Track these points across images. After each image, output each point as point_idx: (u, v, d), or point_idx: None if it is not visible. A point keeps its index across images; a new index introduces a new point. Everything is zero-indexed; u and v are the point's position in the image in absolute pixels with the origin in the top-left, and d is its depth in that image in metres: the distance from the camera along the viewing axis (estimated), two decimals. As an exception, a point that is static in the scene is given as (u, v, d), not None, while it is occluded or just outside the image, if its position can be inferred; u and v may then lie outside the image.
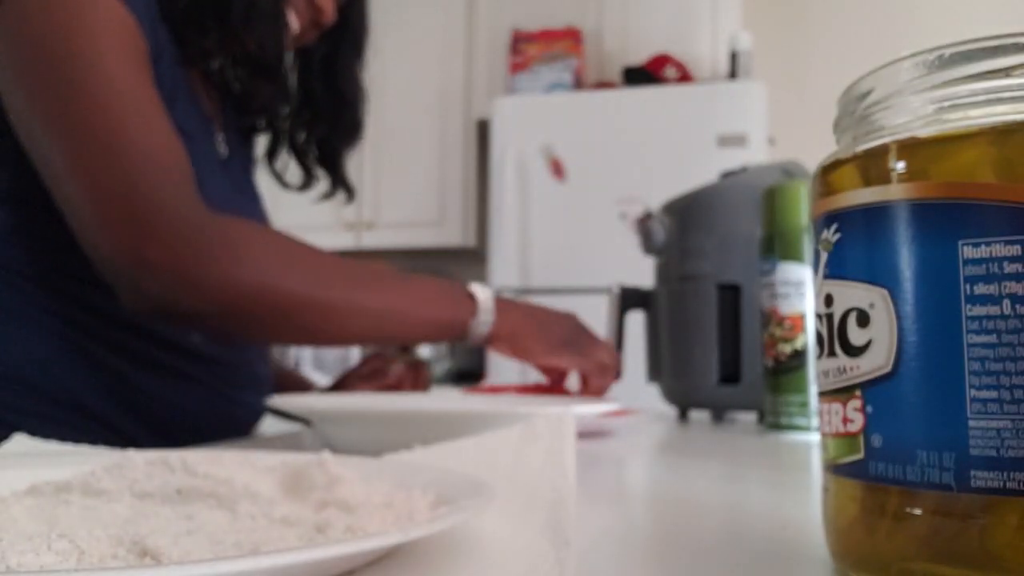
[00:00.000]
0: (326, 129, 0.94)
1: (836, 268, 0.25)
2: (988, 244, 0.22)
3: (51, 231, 0.71)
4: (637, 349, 1.03)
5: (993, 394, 0.22)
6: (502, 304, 0.79)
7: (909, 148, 0.23)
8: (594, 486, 0.46)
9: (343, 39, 0.92)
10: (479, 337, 0.78)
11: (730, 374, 0.89)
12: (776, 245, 0.74)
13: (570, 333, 0.84)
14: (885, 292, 0.24)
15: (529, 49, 2.71)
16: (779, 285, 0.73)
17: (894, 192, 0.23)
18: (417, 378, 0.95)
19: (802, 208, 0.74)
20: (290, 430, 0.84)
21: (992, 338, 0.22)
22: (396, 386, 0.93)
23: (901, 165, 0.23)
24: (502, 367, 2.41)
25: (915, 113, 0.24)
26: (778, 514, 0.38)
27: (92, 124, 0.63)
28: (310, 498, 0.29)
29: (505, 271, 2.42)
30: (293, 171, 0.97)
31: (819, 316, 0.26)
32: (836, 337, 0.25)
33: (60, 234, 0.70)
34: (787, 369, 0.73)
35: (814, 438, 0.70)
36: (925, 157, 0.23)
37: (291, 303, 0.67)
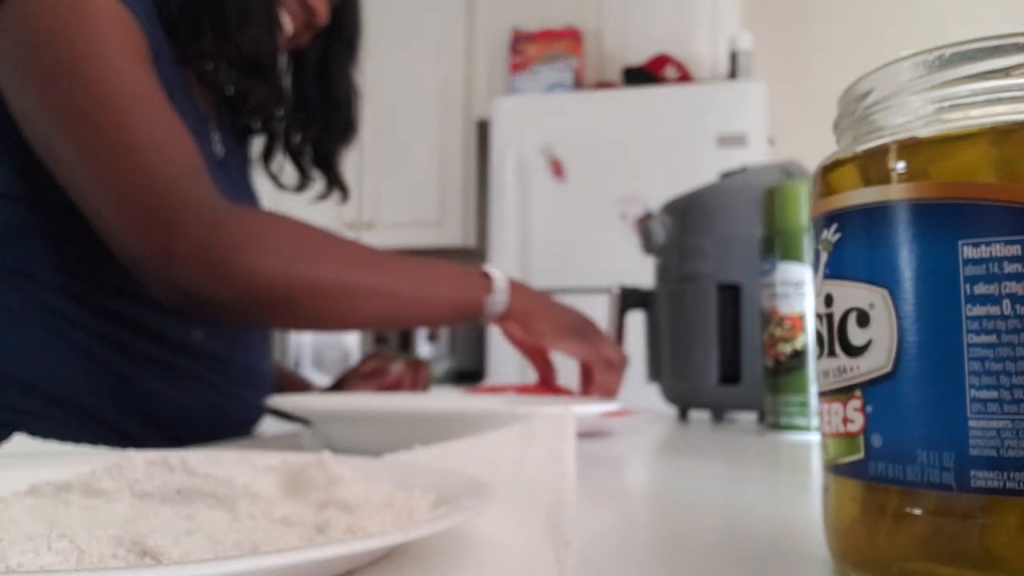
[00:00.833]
0: (320, 130, 0.94)
1: (836, 268, 0.25)
2: (988, 244, 0.22)
3: (50, 230, 0.71)
4: (637, 349, 1.03)
5: (993, 394, 0.22)
6: (516, 285, 0.81)
7: (909, 148, 0.23)
8: (594, 486, 0.46)
9: (336, 40, 0.93)
10: (494, 316, 0.80)
11: (730, 374, 0.89)
12: (776, 245, 0.74)
13: (579, 323, 0.85)
14: (885, 292, 0.24)
15: (529, 49, 2.71)
16: (779, 285, 0.73)
17: (894, 192, 0.23)
18: (417, 378, 0.95)
19: (802, 208, 0.74)
20: (290, 430, 0.84)
21: (992, 338, 0.22)
22: (396, 386, 0.93)
23: (901, 165, 0.24)
24: (502, 367, 2.41)
25: (915, 113, 0.24)
26: (778, 514, 0.38)
27: (105, 124, 0.64)
28: (310, 498, 0.29)
29: (505, 271, 2.42)
30: (289, 172, 0.98)
31: (819, 316, 0.26)
32: (836, 337, 0.25)
33: (59, 232, 0.71)
34: (787, 369, 0.73)
35: (814, 438, 0.70)
36: (925, 157, 0.23)
37: (315, 289, 0.68)
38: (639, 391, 1.05)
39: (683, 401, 0.96)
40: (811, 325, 0.71)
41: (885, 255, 0.24)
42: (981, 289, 0.22)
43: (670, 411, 1.01)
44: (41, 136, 0.67)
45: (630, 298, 1.03)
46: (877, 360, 0.24)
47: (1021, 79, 0.22)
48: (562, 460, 0.36)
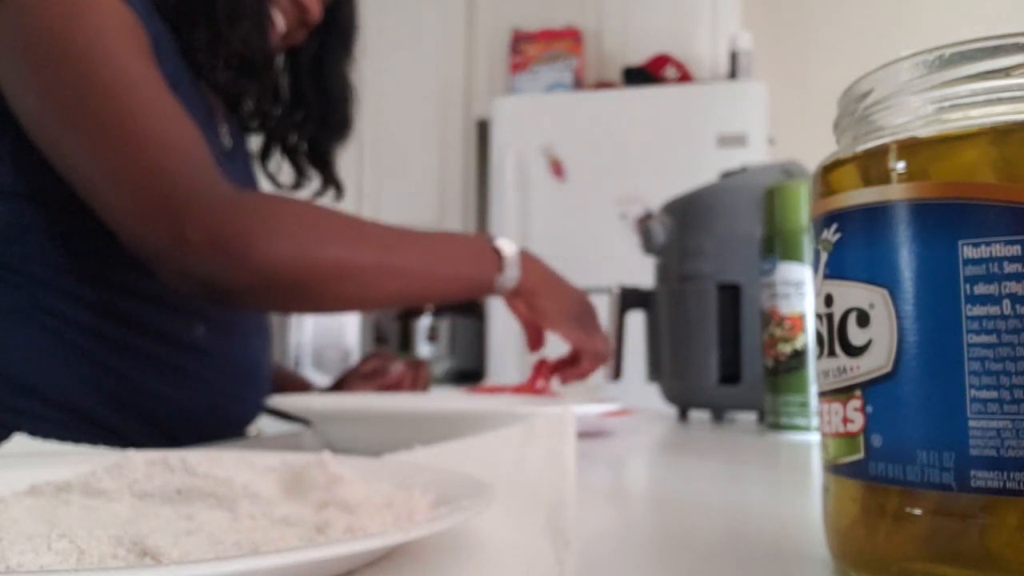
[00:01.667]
0: (316, 128, 0.95)
1: (836, 268, 0.25)
2: (988, 244, 0.22)
3: (48, 227, 0.71)
4: (637, 349, 1.03)
5: (993, 394, 0.22)
6: (526, 260, 0.81)
7: (909, 148, 0.23)
8: (594, 486, 0.46)
9: (331, 38, 0.93)
10: (505, 291, 0.80)
11: (730, 374, 0.89)
12: (776, 245, 0.74)
13: (582, 310, 0.86)
14: (885, 292, 0.24)
15: (529, 49, 2.71)
16: (779, 285, 0.73)
17: (894, 192, 0.23)
18: (417, 378, 0.95)
19: (802, 208, 0.74)
20: (290, 430, 0.84)
21: (992, 338, 0.22)
22: (396, 386, 0.93)
23: (901, 165, 0.24)
24: (502, 367, 2.41)
25: (915, 113, 0.24)
26: (778, 514, 0.38)
27: (111, 118, 0.64)
28: (310, 498, 0.29)
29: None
30: (285, 170, 0.98)
31: (819, 316, 0.26)
32: (836, 337, 0.25)
33: (57, 230, 0.70)
34: (787, 369, 0.73)
35: (814, 438, 0.70)
36: (925, 157, 0.23)
37: (329, 270, 0.68)
38: (639, 391, 1.05)
39: (683, 401, 0.96)
40: (811, 325, 0.71)
41: (885, 255, 0.24)
42: (981, 289, 0.22)
43: (670, 411, 1.01)
44: (46, 134, 0.67)
45: (630, 298, 1.03)
46: (877, 360, 0.24)
47: (1021, 79, 0.22)
48: (562, 460, 0.36)
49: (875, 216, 0.24)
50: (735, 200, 0.92)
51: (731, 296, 0.90)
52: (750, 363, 0.88)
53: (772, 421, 0.74)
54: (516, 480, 0.34)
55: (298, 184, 0.97)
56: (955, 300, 0.22)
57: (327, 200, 0.99)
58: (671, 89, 2.46)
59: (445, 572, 0.24)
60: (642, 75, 2.56)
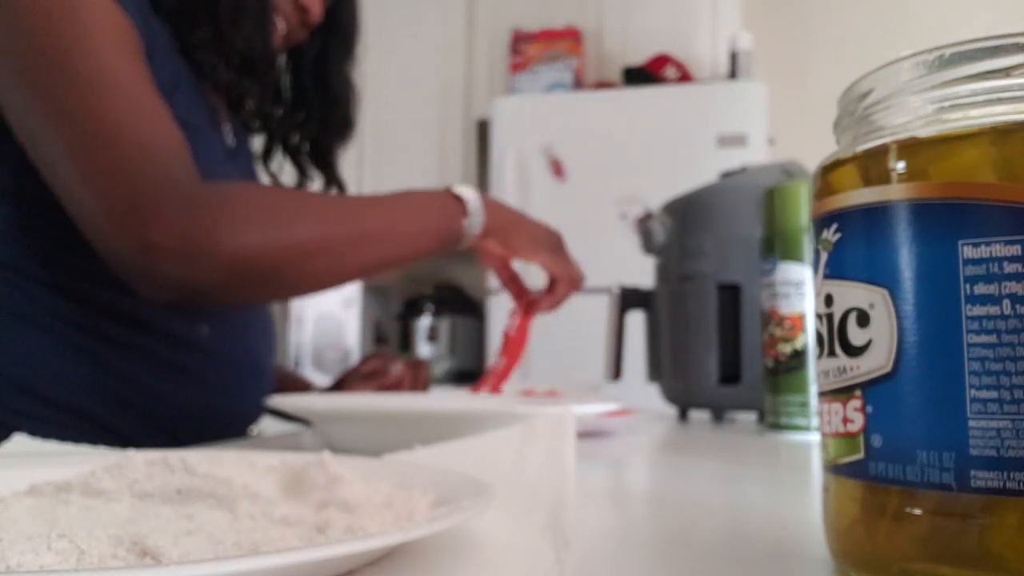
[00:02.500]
0: (317, 128, 0.94)
1: (836, 268, 0.25)
2: (988, 244, 0.22)
3: (50, 228, 0.71)
4: (637, 349, 1.03)
5: (993, 394, 0.22)
6: (490, 203, 0.82)
7: (909, 148, 0.23)
8: (594, 486, 0.46)
9: (333, 38, 0.93)
10: (473, 237, 0.80)
11: (730, 374, 0.89)
12: (776, 245, 0.74)
13: (553, 239, 0.89)
14: (885, 292, 0.24)
15: (529, 49, 2.71)
16: (779, 285, 0.73)
17: (894, 192, 0.23)
18: (417, 378, 0.95)
19: (802, 208, 0.74)
20: (290, 430, 0.84)
21: (992, 338, 0.22)
22: (396, 386, 0.93)
23: (901, 165, 0.24)
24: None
25: (915, 113, 0.24)
26: (778, 514, 0.38)
27: (85, 115, 0.64)
28: (310, 498, 0.29)
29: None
30: (288, 170, 0.98)
31: (819, 316, 0.26)
32: (836, 337, 0.25)
33: (59, 231, 0.70)
34: (787, 369, 0.73)
35: (814, 438, 0.70)
36: (925, 157, 0.23)
37: (300, 252, 0.68)
38: (639, 391, 1.05)
39: (683, 401, 0.96)
40: (811, 325, 0.71)
41: (885, 255, 0.24)
42: (981, 289, 0.22)
43: (670, 411, 1.01)
44: (28, 132, 0.66)
45: (630, 298, 1.03)
46: (877, 360, 0.24)
47: (1021, 79, 0.22)
48: (562, 460, 0.36)
49: (875, 216, 0.24)
50: (735, 200, 0.92)
51: (731, 296, 0.90)
52: (750, 363, 0.88)
53: (772, 421, 0.74)
54: (516, 480, 0.34)
55: (300, 184, 0.97)
56: (955, 300, 0.22)
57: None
58: (671, 89, 2.46)
59: (445, 572, 0.24)
60: (642, 75, 2.56)
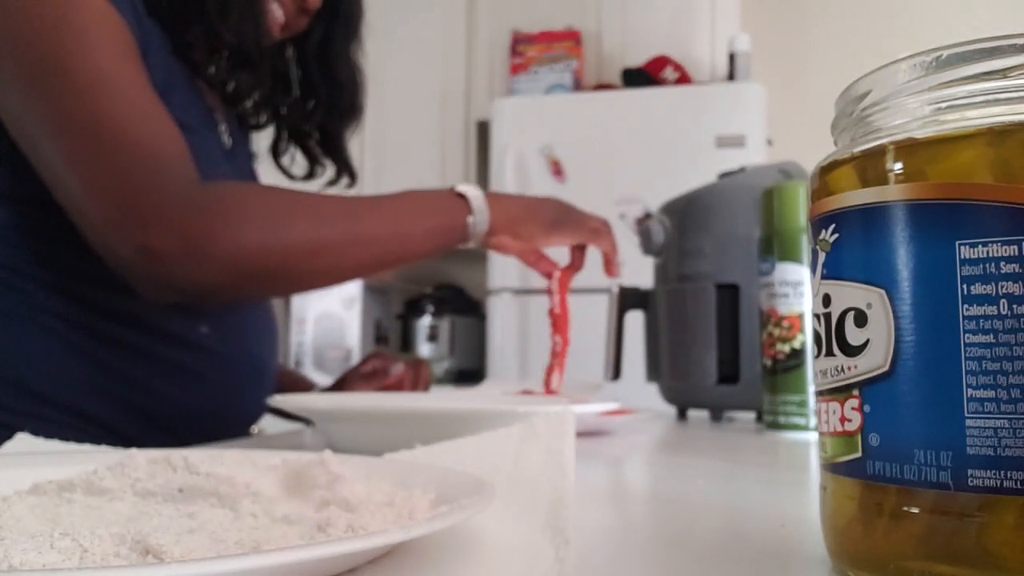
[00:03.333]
0: (325, 114, 0.94)
1: (834, 268, 0.25)
2: (985, 244, 0.22)
3: (49, 229, 0.71)
4: (636, 349, 1.03)
5: (990, 393, 0.22)
6: (492, 197, 0.80)
7: (906, 149, 0.24)
8: (594, 485, 0.46)
9: (335, 23, 0.92)
10: (480, 235, 0.79)
11: (729, 374, 0.89)
12: (774, 245, 0.74)
13: (558, 211, 0.86)
14: (883, 292, 0.24)
15: (529, 51, 2.71)
16: (777, 285, 0.73)
17: (891, 193, 0.24)
18: (418, 378, 0.95)
19: (800, 209, 0.74)
20: (292, 429, 0.84)
21: (989, 338, 0.22)
22: (397, 386, 0.93)
23: (898, 166, 0.24)
24: (502, 367, 2.41)
25: (912, 114, 0.24)
26: (776, 513, 0.38)
27: (83, 119, 0.64)
28: (311, 497, 0.29)
29: (505, 271, 2.43)
30: (299, 161, 0.97)
31: (817, 316, 0.26)
32: (834, 337, 0.25)
33: (59, 232, 0.70)
34: (785, 369, 0.73)
35: (812, 437, 0.70)
36: (922, 158, 0.23)
37: (300, 252, 0.68)
38: (638, 391, 1.06)
39: (682, 401, 0.96)
40: (809, 325, 0.71)
41: (882, 255, 0.24)
42: (978, 289, 0.22)
43: (669, 410, 1.01)
44: (26, 135, 0.66)
45: (629, 298, 1.03)
46: (875, 360, 0.24)
47: (1018, 80, 0.23)
48: (562, 459, 0.36)
49: (872, 217, 0.24)
50: (734, 201, 0.93)
51: (730, 296, 0.90)
52: (748, 363, 0.88)
53: (770, 420, 0.74)
54: (516, 479, 0.34)
55: (311, 174, 0.97)
56: (952, 300, 0.22)
57: (339, 189, 0.98)
58: (670, 90, 2.46)
59: (445, 570, 0.24)
60: (641, 77, 2.56)
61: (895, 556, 0.23)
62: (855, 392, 0.24)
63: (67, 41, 0.64)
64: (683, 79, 2.53)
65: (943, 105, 0.24)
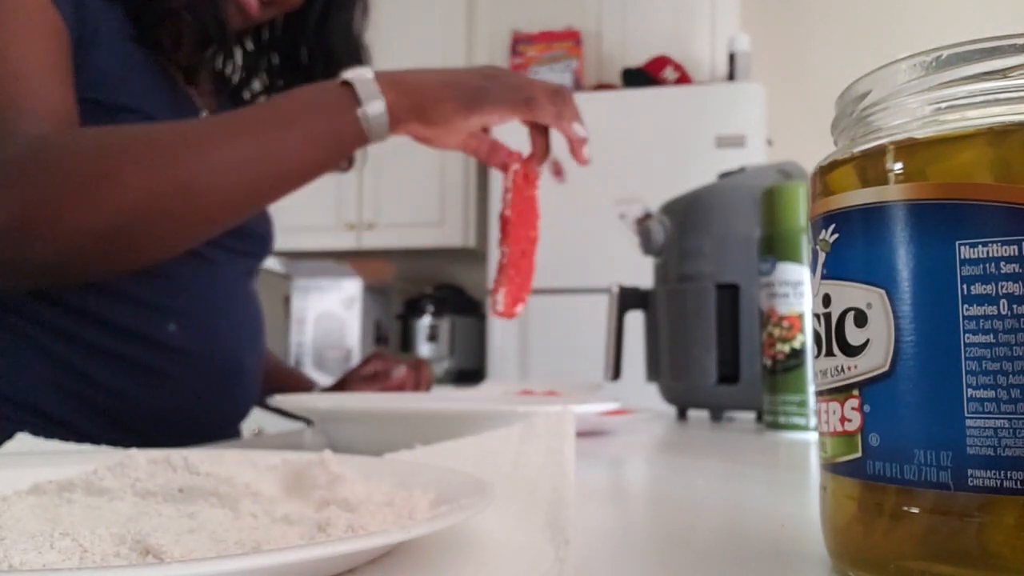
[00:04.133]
0: None
1: (834, 268, 0.25)
2: (985, 244, 0.22)
3: None
4: (636, 349, 1.03)
5: (990, 393, 0.22)
6: (387, 77, 0.66)
7: (906, 149, 0.24)
8: (594, 485, 0.46)
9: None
10: (380, 130, 0.65)
11: (729, 374, 0.89)
12: (774, 245, 0.74)
13: (483, 80, 0.68)
14: (883, 292, 0.24)
15: (529, 51, 2.71)
16: (777, 285, 0.74)
17: (891, 193, 0.24)
18: (419, 378, 0.94)
19: (800, 209, 0.74)
20: (292, 429, 0.84)
21: (989, 338, 0.22)
22: (398, 389, 0.92)
23: (898, 166, 0.24)
24: (502, 367, 2.41)
25: (913, 114, 0.24)
26: (776, 513, 0.38)
27: None
28: (311, 497, 0.29)
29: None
30: None
31: (817, 316, 0.26)
32: (834, 337, 0.25)
33: None
34: (785, 369, 0.73)
35: (812, 437, 0.70)
36: (922, 158, 0.23)
37: (144, 211, 0.59)
38: (638, 391, 1.06)
39: (682, 400, 0.96)
40: (809, 325, 0.71)
41: (883, 255, 0.24)
42: (978, 289, 0.22)
43: (669, 410, 1.01)
44: None
45: (629, 298, 1.03)
46: (875, 360, 0.24)
47: (1018, 80, 0.23)
48: (562, 459, 0.36)
49: (872, 217, 0.24)
50: (733, 201, 0.93)
51: (730, 296, 0.90)
52: (748, 363, 0.88)
53: (770, 420, 0.74)
54: (516, 479, 0.34)
55: None
56: (952, 300, 0.22)
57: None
58: (670, 90, 2.46)
59: (445, 570, 0.24)
60: (641, 77, 2.56)
61: (895, 556, 0.23)
62: (855, 392, 0.24)
63: None
64: (683, 79, 2.53)
65: (943, 105, 0.24)
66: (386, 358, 0.94)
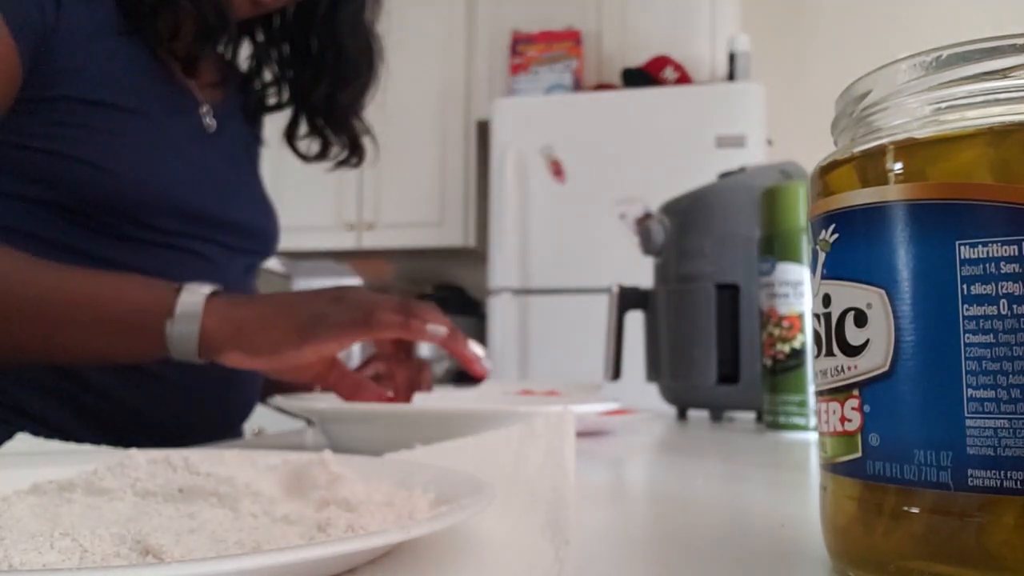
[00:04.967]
0: (331, 87, 0.90)
1: (834, 268, 0.25)
2: (985, 244, 0.22)
3: None
4: (636, 349, 1.03)
5: (990, 393, 0.22)
6: (220, 300, 0.61)
7: (906, 149, 0.24)
8: (594, 485, 0.46)
9: None
10: (188, 350, 0.61)
11: (729, 374, 0.89)
12: (774, 245, 0.74)
13: (324, 305, 0.61)
14: (883, 292, 0.24)
15: (529, 50, 2.71)
16: (777, 285, 0.74)
17: (891, 193, 0.24)
18: (421, 379, 0.93)
19: (800, 209, 0.74)
20: (291, 429, 0.84)
21: (989, 338, 0.22)
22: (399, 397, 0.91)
23: (898, 166, 0.24)
24: (502, 368, 2.41)
25: (912, 114, 0.24)
26: (776, 513, 0.38)
27: None
28: (311, 497, 0.29)
29: (505, 271, 2.43)
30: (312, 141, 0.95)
31: (817, 316, 0.26)
32: (834, 337, 0.25)
33: (4, 224, 0.67)
34: (785, 368, 0.73)
35: (812, 437, 0.70)
36: (922, 158, 0.23)
37: None
38: (638, 391, 1.06)
39: (682, 400, 0.96)
40: (809, 325, 0.71)
41: (883, 255, 0.24)
42: (978, 289, 0.22)
43: (669, 410, 1.01)
44: None
45: (629, 298, 1.03)
46: (875, 360, 0.24)
47: (1018, 80, 0.23)
48: (562, 459, 0.36)
49: (873, 217, 0.24)
50: (733, 201, 0.93)
51: (730, 296, 0.90)
52: (748, 363, 0.88)
53: (770, 420, 0.74)
54: (516, 479, 0.34)
55: (323, 153, 0.93)
56: (952, 300, 0.22)
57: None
58: (670, 90, 2.46)
59: (445, 570, 0.24)
60: (641, 77, 2.56)
61: (895, 556, 0.23)
62: (855, 392, 0.24)
63: None
64: (683, 79, 2.53)
65: (943, 105, 0.24)
66: (386, 359, 0.94)
